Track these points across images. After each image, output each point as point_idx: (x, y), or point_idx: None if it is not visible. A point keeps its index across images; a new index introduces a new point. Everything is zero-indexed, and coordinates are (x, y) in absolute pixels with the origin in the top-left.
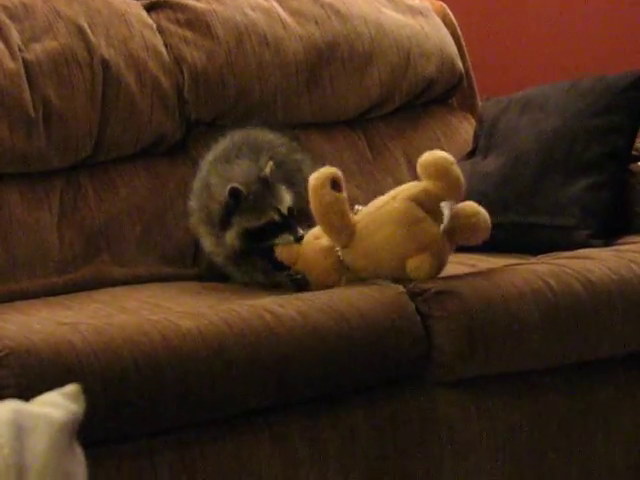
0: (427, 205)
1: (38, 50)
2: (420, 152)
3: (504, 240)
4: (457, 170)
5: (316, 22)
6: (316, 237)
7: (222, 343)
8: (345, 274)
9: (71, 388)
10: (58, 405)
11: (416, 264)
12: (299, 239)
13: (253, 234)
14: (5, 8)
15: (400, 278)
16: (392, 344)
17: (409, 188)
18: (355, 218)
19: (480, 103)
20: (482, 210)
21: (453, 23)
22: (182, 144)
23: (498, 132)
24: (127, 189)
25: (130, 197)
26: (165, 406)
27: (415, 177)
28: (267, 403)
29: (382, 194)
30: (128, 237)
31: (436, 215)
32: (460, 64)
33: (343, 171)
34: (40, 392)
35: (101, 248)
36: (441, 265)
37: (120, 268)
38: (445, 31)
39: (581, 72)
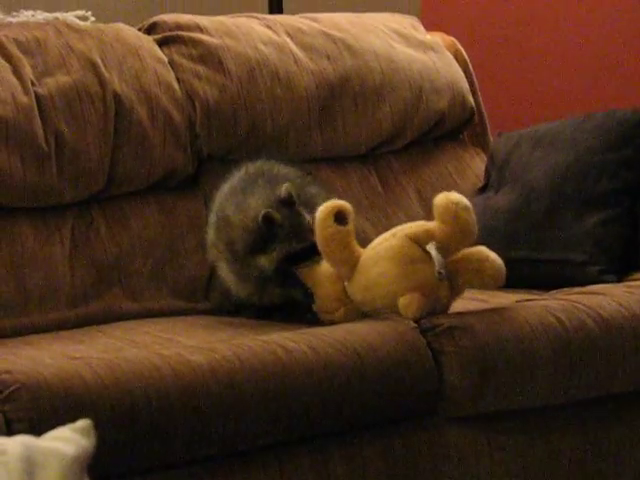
0: (425, 243)
1: (51, 84)
2: (432, 187)
3: (516, 275)
4: (467, 215)
5: (328, 57)
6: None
7: (233, 378)
8: (347, 305)
9: (82, 423)
10: (69, 440)
11: (406, 303)
12: None
13: (293, 257)
14: (18, 43)
15: (395, 314)
16: (404, 379)
17: (412, 226)
18: (360, 251)
19: (492, 138)
20: (492, 255)
21: (464, 58)
22: (194, 178)
23: (510, 167)
24: (138, 223)
25: (141, 231)
26: (176, 441)
27: (427, 212)
28: (278, 438)
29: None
30: (139, 271)
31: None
32: (471, 99)
33: (354, 205)
34: (51, 426)
35: (112, 282)
36: (434, 307)
37: (131, 302)
38: (456, 66)
39: (592, 107)
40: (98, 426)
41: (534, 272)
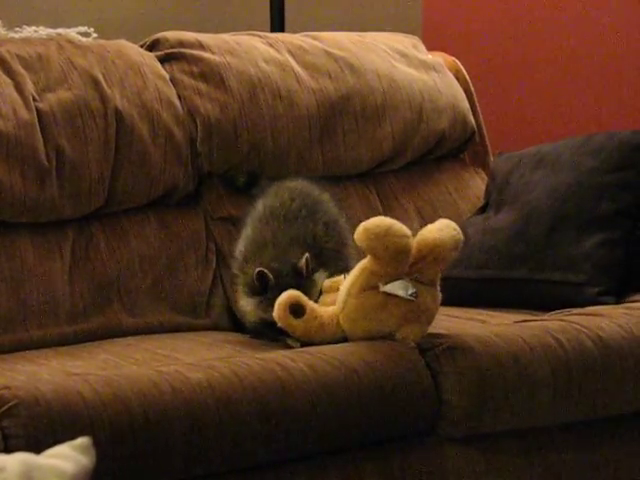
0: (376, 285)
1: (52, 100)
2: (432, 206)
3: (515, 296)
4: (394, 238)
5: (329, 76)
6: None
7: (232, 396)
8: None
9: (81, 441)
10: (68, 458)
11: (404, 335)
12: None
13: (267, 325)
14: (21, 58)
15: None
16: (402, 399)
17: (350, 281)
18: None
19: (492, 158)
20: (438, 237)
21: (465, 78)
22: (194, 195)
23: (510, 187)
24: (138, 239)
25: (141, 247)
26: (174, 458)
27: None
28: (276, 457)
29: None
30: (139, 287)
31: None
32: (472, 119)
33: (354, 225)
34: (48, 442)
35: (112, 298)
36: (428, 317)
37: (131, 318)
38: (457, 86)
39: (593, 128)
40: (96, 443)
41: (533, 293)
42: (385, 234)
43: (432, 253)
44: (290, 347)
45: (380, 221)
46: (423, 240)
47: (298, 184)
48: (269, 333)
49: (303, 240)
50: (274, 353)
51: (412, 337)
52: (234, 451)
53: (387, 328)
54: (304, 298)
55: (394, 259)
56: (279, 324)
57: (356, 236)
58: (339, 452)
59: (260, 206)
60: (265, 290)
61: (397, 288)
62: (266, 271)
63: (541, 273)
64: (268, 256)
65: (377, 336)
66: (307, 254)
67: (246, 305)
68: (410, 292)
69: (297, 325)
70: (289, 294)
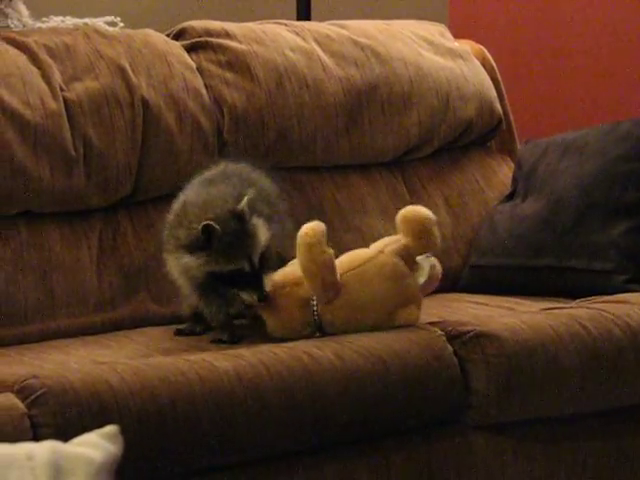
0: (408, 261)
1: (79, 90)
2: (459, 194)
3: (542, 283)
4: (437, 231)
5: (356, 64)
6: (296, 283)
7: (259, 384)
8: (314, 329)
9: (109, 429)
10: (96, 446)
11: (406, 316)
12: (263, 299)
13: (217, 277)
14: (48, 48)
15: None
16: (429, 387)
17: (392, 243)
18: (341, 275)
19: (519, 146)
20: (437, 262)
21: (492, 66)
22: None
23: (537, 175)
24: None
25: None
26: (201, 447)
27: (454, 219)
28: (303, 445)
29: None
30: (166, 276)
31: (413, 269)
32: (499, 107)
33: (381, 213)
34: (76, 431)
35: (139, 287)
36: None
37: (158, 307)
38: (484, 74)
39: (620, 116)
40: (124, 431)
41: (560, 280)
42: (436, 224)
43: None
44: (221, 341)
45: (430, 213)
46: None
47: (244, 166)
48: (218, 287)
49: (238, 194)
50: (300, 342)
51: (414, 318)
52: (261, 440)
53: (393, 299)
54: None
55: (426, 247)
56: (309, 256)
57: (407, 213)
58: (366, 441)
59: (196, 178)
60: (211, 243)
61: (427, 267)
62: (213, 223)
63: (568, 261)
64: (205, 210)
65: (377, 306)
66: (246, 196)
67: (191, 261)
68: (426, 274)
69: (331, 259)
70: (321, 225)
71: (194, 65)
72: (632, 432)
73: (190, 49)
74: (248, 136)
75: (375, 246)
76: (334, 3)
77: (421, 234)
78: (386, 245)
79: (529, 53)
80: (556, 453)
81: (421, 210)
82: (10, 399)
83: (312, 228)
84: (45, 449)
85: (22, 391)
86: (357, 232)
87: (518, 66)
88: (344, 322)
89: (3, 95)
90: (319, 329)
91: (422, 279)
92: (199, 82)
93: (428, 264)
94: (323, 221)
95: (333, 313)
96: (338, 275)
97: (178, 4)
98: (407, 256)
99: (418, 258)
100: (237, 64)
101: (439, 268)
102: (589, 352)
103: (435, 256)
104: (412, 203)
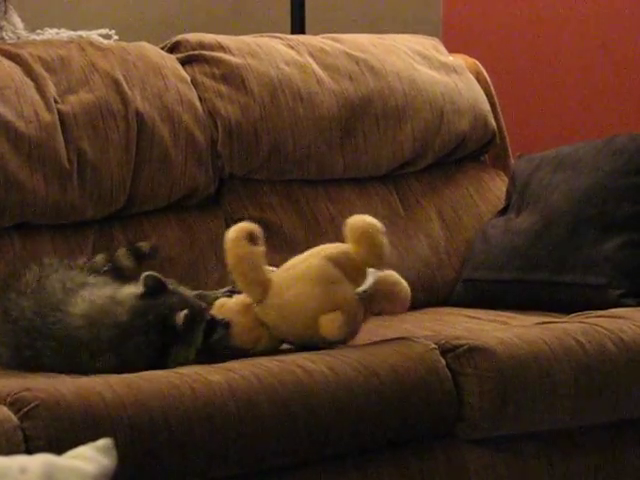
0: (346, 268)
1: (74, 102)
2: (452, 208)
3: (535, 298)
4: (382, 239)
5: (350, 78)
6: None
7: (252, 398)
8: (263, 333)
9: (103, 442)
10: (90, 459)
11: (327, 321)
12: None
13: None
14: (42, 60)
15: (310, 337)
16: (422, 400)
17: (330, 248)
18: (272, 274)
19: (513, 161)
20: (403, 281)
21: (486, 80)
22: (215, 198)
23: (531, 189)
24: (159, 241)
25: (162, 249)
26: (194, 460)
27: (447, 233)
28: (297, 459)
29: (413, 250)
30: None
31: (354, 278)
32: (493, 121)
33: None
34: (69, 444)
35: None
36: (353, 328)
37: None
38: (478, 88)
39: (614, 130)
40: (116, 444)
41: (554, 295)
42: (381, 231)
43: (384, 288)
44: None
45: (377, 220)
46: (389, 275)
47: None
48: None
49: None
50: (293, 355)
51: (337, 324)
52: (254, 453)
53: (318, 303)
54: (260, 232)
55: (373, 256)
56: (230, 251)
57: (353, 221)
58: (359, 454)
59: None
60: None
61: (370, 279)
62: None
63: (562, 275)
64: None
65: (300, 309)
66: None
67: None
68: (365, 290)
69: (251, 253)
70: (247, 223)
71: (188, 78)
72: (626, 446)
73: (185, 62)
74: (242, 149)
75: (314, 249)
76: (328, 17)
77: (364, 242)
78: (322, 249)
79: (523, 67)
80: (549, 468)
81: (366, 218)
82: (3, 412)
83: (238, 226)
84: (38, 462)
85: (15, 403)
86: None
87: (512, 80)
88: (275, 324)
89: None
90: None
91: (361, 289)
92: (193, 95)
93: (373, 277)
94: (317, 235)
95: (266, 314)
96: (266, 274)
97: (172, 17)
98: (346, 263)
99: (369, 270)
100: (231, 77)
101: (402, 289)
102: (582, 367)
103: (428, 270)
104: (406, 217)
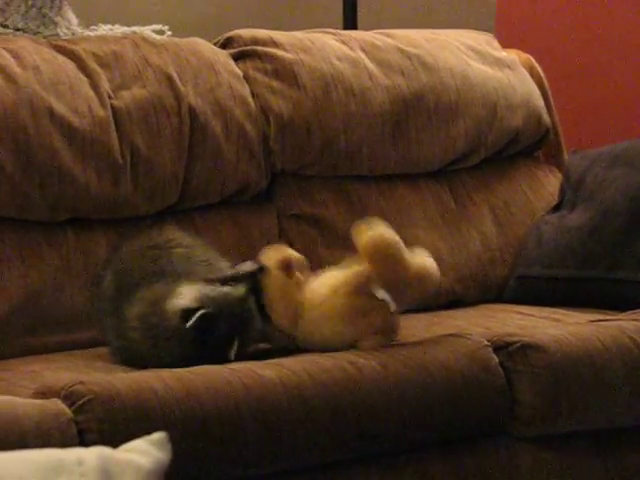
0: (369, 290)
1: (127, 98)
2: (505, 205)
3: (589, 295)
4: (396, 252)
5: (402, 73)
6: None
7: (304, 393)
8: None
9: (157, 436)
10: (145, 453)
11: (368, 347)
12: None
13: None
14: (96, 56)
15: None
16: (474, 398)
17: (348, 277)
18: (301, 308)
19: (567, 157)
20: (429, 266)
21: (540, 76)
22: (266, 193)
23: (585, 186)
24: (211, 236)
25: (214, 244)
26: (245, 456)
27: (500, 229)
28: (347, 455)
29: (465, 246)
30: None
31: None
32: (547, 117)
33: (427, 222)
34: (122, 437)
35: None
36: (392, 336)
37: None
38: (532, 84)
39: None
40: (169, 438)
41: (608, 292)
42: (393, 245)
43: (412, 282)
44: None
45: (387, 231)
46: (418, 268)
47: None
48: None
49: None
50: (345, 352)
51: (374, 348)
52: (306, 448)
53: (356, 336)
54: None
55: (392, 270)
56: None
57: (363, 239)
58: (411, 451)
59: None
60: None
61: (388, 297)
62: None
63: (616, 272)
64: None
65: (337, 344)
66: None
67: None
68: (390, 301)
69: (285, 285)
70: (284, 251)
71: (241, 73)
72: None
73: (237, 58)
74: (294, 145)
75: (330, 281)
76: (381, 12)
77: (381, 261)
78: (344, 285)
79: (577, 62)
80: (602, 466)
81: (376, 233)
82: (57, 405)
83: (275, 253)
84: (94, 455)
85: (69, 397)
86: (403, 242)
87: (566, 76)
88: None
89: (52, 102)
90: None
91: (392, 304)
92: (246, 90)
93: (386, 296)
94: None
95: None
96: (296, 308)
97: (226, 13)
98: (368, 285)
99: (376, 293)
100: (284, 72)
101: (430, 275)
102: (636, 364)
103: (480, 267)
104: (458, 213)
